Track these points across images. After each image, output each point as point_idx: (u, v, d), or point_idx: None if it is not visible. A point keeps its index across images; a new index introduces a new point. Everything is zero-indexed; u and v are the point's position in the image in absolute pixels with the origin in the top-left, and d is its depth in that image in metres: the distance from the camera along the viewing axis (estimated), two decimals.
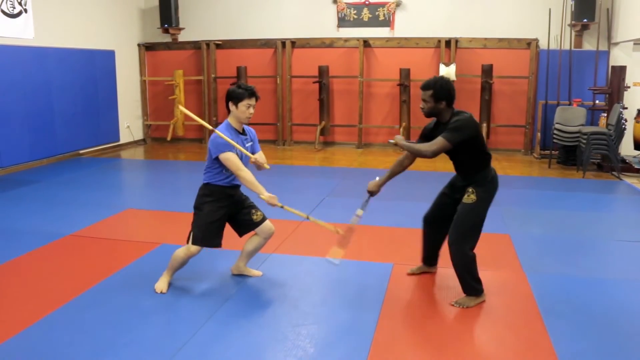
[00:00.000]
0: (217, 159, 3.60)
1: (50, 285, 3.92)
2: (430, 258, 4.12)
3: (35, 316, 3.39)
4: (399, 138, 3.62)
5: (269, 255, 4.51)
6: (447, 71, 9.61)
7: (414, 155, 3.66)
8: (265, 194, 3.64)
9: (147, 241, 4.86)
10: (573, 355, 3.00)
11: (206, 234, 3.70)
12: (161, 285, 3.81)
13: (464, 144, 3.49)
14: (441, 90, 3.49)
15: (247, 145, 3.76)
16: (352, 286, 3.95)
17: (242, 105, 3.62)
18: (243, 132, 3.77)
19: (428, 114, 3.61)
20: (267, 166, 3.87)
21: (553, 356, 2.99)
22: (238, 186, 3.81)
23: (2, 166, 7.60)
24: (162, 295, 3.74)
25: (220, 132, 3.59)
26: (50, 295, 3.73)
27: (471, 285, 3.65)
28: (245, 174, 3.60)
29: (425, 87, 3.53)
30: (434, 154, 3.48)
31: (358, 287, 3.93)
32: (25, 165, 8.20)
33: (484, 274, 4.02)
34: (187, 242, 3.74)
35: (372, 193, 3.89)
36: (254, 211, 3.88)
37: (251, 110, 3.66)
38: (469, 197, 3.57)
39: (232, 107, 3.65)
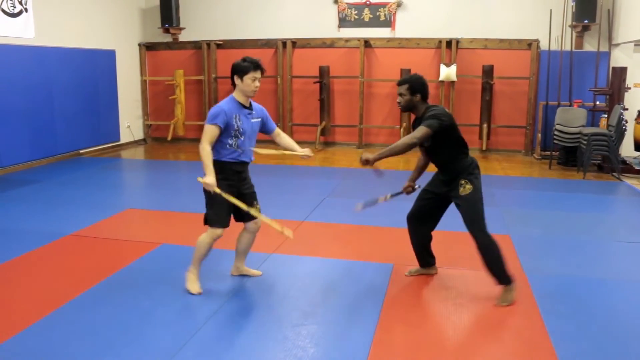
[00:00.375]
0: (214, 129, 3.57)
1: (50, 285, 3.92)
2: (424, 259, 4.12)
3: (35, 316, 3.39)
4: (367, 155, 3.58)
5: (269, 255, 4.51)
6: (448, 72, 9.61)
7: (400, 152, 3.62)
8: (207, 178, 3.52)
9: (148, 241, 4.85)
10: (573, 356, 3.00)
11: (221, 215, 3.68)
12: (193, 286, 3.75)
13: (443, 134, 3.59)
14: (416, 84, 3.66)
15: (253, 120, 3.74)
16: (352, 286, 3.95)
17: (248, 78, 3.59)
18: (249, 107, 3.73)
19: (405, 108, 3.74)
20: (305, 152, 3.93)
21: (553, 357, 2.98)
22: (245, 163, 3.78)
23: (2, 166, 7.61)
24: (162, 295, 3.73)
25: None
26: (51, 295, 3.73)
27: (504, 271, 3.66)
28: (203, 148, 3.54)
29: (401, 82, 3.72)
30: (419, 140, 3.56)
31: (358, 287, 3.92)
32: (26, 165, 8.20)
33: (483, 275, 4.02)
34: (205, 224, 3.73)
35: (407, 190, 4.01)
36: (255, 202, 3.86)
37: (257, 83, 3.63)
38: (466, 189, 3.66)
39: (237, 80, 3.63)
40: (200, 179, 3.55)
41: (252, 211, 3.73)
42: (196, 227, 3.77)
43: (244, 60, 3.64)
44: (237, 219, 3.88)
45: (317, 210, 5.93)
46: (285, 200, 6.37)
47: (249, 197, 3.82)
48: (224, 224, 3.72)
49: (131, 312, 3.48)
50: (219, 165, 3.62)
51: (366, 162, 3.57)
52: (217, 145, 3.62)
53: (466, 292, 3.84)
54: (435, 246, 4.14)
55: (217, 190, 3.55)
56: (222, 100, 3.68)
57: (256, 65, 3.62)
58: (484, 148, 9.54)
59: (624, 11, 8.78)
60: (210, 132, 3.55)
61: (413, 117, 3.85)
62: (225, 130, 3.59)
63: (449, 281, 4.03)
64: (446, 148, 3.71)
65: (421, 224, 3.98)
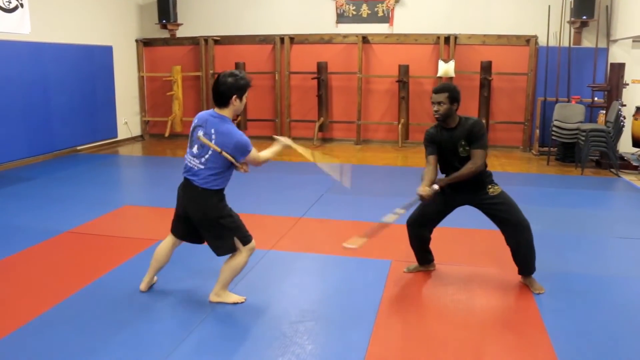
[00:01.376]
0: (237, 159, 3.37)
1: (46, 282, 3.90)
2: (423, 257, 4.12)
3: (31, 314, 3.37)
4: (433, 188, 3.63)
5: (267, 252, 4.50)
6: (446, 68, 9.59)
7: (468, 178, 3.65)
8: (280, 143, 3.67)
9: (145, 238, 4.83)
10: (572, 352, 2.99)
11: (245, 230, 3.50)
12: (233, 297, 3.59)
13: None
14: (455, 92, 3.65)
15: None
16: (350, 283, 3.94)
17: (245, 96, 3.40)
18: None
19: (444, 117, 3.66)
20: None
21: (551, 353, 2.97)
22: None
23: None
24: (158, 293, 3.72)
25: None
26: (47, 292, 3.71)
27: (534, 261, 3.80)
28: (264, 158, 3.58)
29: (441, 89, 3.65)
30: (485, 165, 3.67)
31: (356, 284, 3.91)
32: (22, 162, 8.16)
33: (482, 271, 4.03)
34: (236, 250, 3.47)
35: (422, 198, 3.68)
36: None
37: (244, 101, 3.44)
38: (495, 189, 3.74)
39: (235, 101, 3.32)
40: (280, 143, 3.76)
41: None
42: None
43: (241, 78, 3.33)
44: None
45: (316, 207, 5.91)
46: (284, 196, 6.36)
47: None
48: (251, 237, 3.54)
49: (128, 310, 3.47)
50: (220, 195, 3.42)
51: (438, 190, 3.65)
52: (225, 175, 3.41)
53: (464, 289, 3.83)
54: (433, 243, 4.13)
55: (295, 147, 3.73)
56: (232, 126, 3.37)
57: (249, 82, 3.40)
58: None
59: (622, 7, 8.77)
60: (255, 151, 3.44)
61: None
62: (237, 161, 3.40)
63: (447, 278, 4.02)
64: None
65: (423, 229, 3.97)
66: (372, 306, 3.55)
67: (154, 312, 3.45)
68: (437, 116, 3.68)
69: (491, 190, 3.73)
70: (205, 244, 3.61)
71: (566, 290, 3.82)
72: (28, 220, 5.38)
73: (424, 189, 3.61)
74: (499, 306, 3.61)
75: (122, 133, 10.57)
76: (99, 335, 3.14)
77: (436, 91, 3.66)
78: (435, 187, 3.63)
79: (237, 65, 10.35)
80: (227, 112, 3.38)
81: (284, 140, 3.66)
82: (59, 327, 3.23)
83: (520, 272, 3.88)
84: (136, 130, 11.09)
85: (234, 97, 3.31)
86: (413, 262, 4.18)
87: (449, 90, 3.63)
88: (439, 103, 3.62)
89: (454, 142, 3.68)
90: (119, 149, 10.11)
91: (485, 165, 3.72)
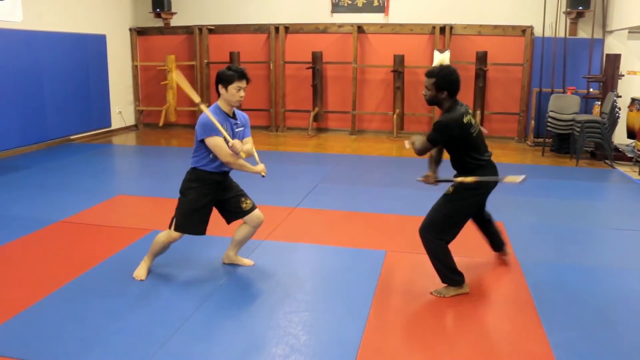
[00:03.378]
0: (202, 141, 3.51)
1: (39, 272, 3.88)
2: (495, 244, 4.14)
3: (24, 303, 3.35)
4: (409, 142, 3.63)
5: (261, 242, 4.48)
6: (442, 58, 9.56)
7: (420, 155, 3.63)
8: (257, 167, 3.60)
9: (138, 227, 4.81)
10: (566, 343, 3.00)
11: (188, 221, 3.62)
12: (140, 272, 3.76)
13: (450, 144, 3.53)
14: (443, 80, 3.43)
15: (237, 130, 3.65)
16: (345, 273, 3.93)
17: (232, 88, 3.49)
18: (233, 116, 3.64)
19: (429, 102, 3.57)
20: (255, 156, 3.73)
21: (546, 344, 2.98)
22: (227, 172, 3.72)
23: None
24: (152, 283, 3.70)
25: (209, 113, 3.47)
26: (40, 282, 3.69)
27: (445, 274, 3.59)
28: (234, 160, 3.51)
29: (429, 74, 3.48)
30: (420, 153, 3.58)
31: (351, 274, 3.90)
32: (15, 151, 8.11)
33: (476, 261, 4.03)
34: (170, 227, 3.68)
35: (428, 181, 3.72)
36: (243, 199, 3.78)
37: (242, 93, 3.53)
38: (449, 191, 3.61)
39: (221, 90, 3.53)
40: (255, 170, 3.61)
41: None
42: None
43: (229, 68, 3.53)
44: (230, 221, 3.85)
45: (310, 197, 5.90)
46: (278, 186, 6.34)
47: (235, 196, 3.75)
48: (189, 231, 3.65)
49: (122, 299, 3.45)
50: (197, 173, 3.59)
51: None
52: (199, 154, 3.58)
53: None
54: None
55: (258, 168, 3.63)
56: (210, 109, 3.54)
57: (241, 75, 3.50)
58: None
59: None
60: (221, 143, 3.46)
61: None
62: None
63: None
64: (453, 154, 3.62)
65: (478, 221, 4.04)
66: (367, 297, 3.54)
67: (148, 302, 3.44)
68: (425, 99, 3.59)
69: (449, 188, 3.61)
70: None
71: (561, 281, 3.83)
72: (21, 210, 5.35)
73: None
74: (493, 297, 3.61)
75: (116, 122, 10.51)
76: (93, 325, 3.12)
77: (426, 75, 3.51)
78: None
79: (231, 55, 10.30)
80: (220, 101, 3.60)
81: (259, 167, 3.69)
82: (53, 316, 3.22)
83: None
84: (130, 120, 11.03)
85: (220, 86, 3.53)
86: (408, 252, 4.18)
87: (436, 77, 3.43)
88: (426, 87, 3.52)
89: None
90: (113, 138, 10.06)
91: (475, 166, 3.57)
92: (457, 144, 3.51)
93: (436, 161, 3.81)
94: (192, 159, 3.63)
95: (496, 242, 4.12)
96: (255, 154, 3.75)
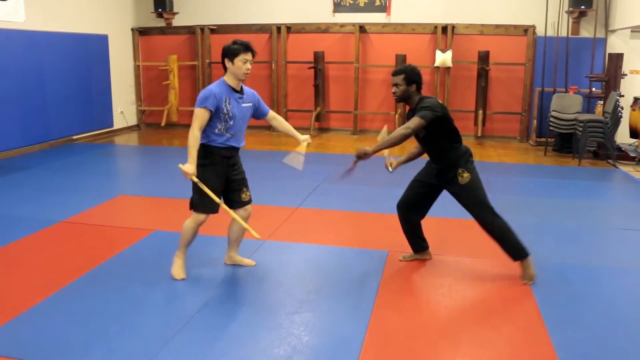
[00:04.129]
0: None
1: (42, 272, 3.88)
2: (417, 244, 4.12)
3: (27, 304, 3.35)
4: (365, 148, 3.57)
5: (263, 242, 4.48)
6: (444, 57, 9.55)
7: (397, 143, 3.61)
8: (187, 166, 3.48)
9: (141, 228, 4.81)
10: (569, 343, 2.99)
11: (204, 201, 3.63)
12: (177, 271, 3.75)
13: (437, 124, 3.61)
14: (412, 74, 3.68)
15: (244, 105, 3.66)
16: (347, 273, 3.93)
17: (238, 60, 3.52)
18: (240, 91, 3.65)
19: (400, 98, 3.75)
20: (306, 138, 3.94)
21: (549, 345, 2.97)
22: (235, 148, 3.70)
23: None
24: (154, 283, 3.70)
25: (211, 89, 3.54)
26: (42, 282, 3.69)
27: (516, 247, 3.75)
28: (193, 134, 3.47)
29: (397, 72, 3.72)
30: (413, 131, 3.57)
31: (353, 275, 3.90)
32: (17, 151, 8.12)
33: (478, 262, 4.02)
34: (190, 209, 3.71)
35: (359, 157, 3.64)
36: (245, 189, 3.81)
37: (248, 65, 3.56)
38: (464, 178, 3.70)
39: (228, 64, 3.56)
40: (180, 166, 3.51)
41: (224, 206, 3.70)
42: (189, 214, 3.72)
43: (234, 42, 3.58)
44: (233, 207, 3.82)
45: (312, 197, 5.89)
46: (280, 186, 6.33)
47: (238, 184, 3.77)
48: (209, 210, 3.68)
49: (124, 300, 3.45)
50: (206, 150, 3.58)
51: (364, 155, 3.53)
52: (207, 128, 3.56)
53: (461, 280, 3.83)
54: (430, 233, 4.13)
55: (195, 180, 3.52)
56: (213, 83, 3.62)
57: (246, 47, 3.55)
58: (479, 134, 9.50)
59: None
60: (201, 115, 3.48)
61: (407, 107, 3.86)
62: (215, 114, 3.52)
63: (444, 268, 4.01)
64: (440, 137, 3.72)
65: (411, 212, 4.01)
66: (369, 296, 3.53)
67: (150, 303, 3.44)
68: (395, 97, 3.77)
69: (460, 178, 3.69)
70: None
71: (563, 281, 3.82)
72: (23, 210, 5.35)
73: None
74: (496, 297, 3.60)
75: (118, 122, 10.51)
76: (95, 326, 3.12)
77: (393, 73, 3.74)
78: (366, 148, 3.57)
79: None
80: (226, 76, 3.63)
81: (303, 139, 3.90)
82: (54, 317, 3.22)
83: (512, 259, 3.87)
84: (132, 120, 11.03)
85: (226, 60, 3.58)
86: (409, 251, 4.17)
87: (405, 72, 3.68)
88: (395, 85, 3.71)
89: None
90: (115, 138, 10.06)
91: (459, 143, 3.73)
92: (444, 124, 3.66)
93: (412, 157, 4.08)
94: (202, 135, 3.57)
95: (421, 241, 4.14)
96: (292, 129, 3.95)
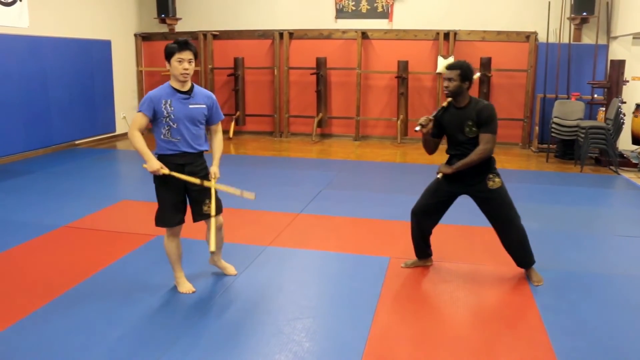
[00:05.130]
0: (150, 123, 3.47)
1: (44, 277, 3.89)
2: (423, 250, 4.12)
3: (28, 308, 3.36)
4: (444, 167, 3.78)
5: (265, 248, 4.48)
6: (445, 64, 9.54)
7: (477, 163, 3.70)
8: (148, 164, 3.40)
9: (142, 233, 4.82)
10: (571, 351, 2.98)
11: (164, 213, 3.54)
12: (184, 287, 3.65)
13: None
14: (468, 71, 3.68)
15: (190, 106, 3.45)
16: (348, 280, 3.92)
17: (174, 60, 3.36)
18: (187, 92, 3.47)
19: (453, 93, 3.71)
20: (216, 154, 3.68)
21: (550, 352, 2.96)
22: (190, 154, 3.50)
23: None
24: (156, 288, 3.70)
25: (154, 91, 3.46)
26: (44, 287, 3.69)
27: (530, 255, 3.89)
28: (131, 136, 3.41)
29: (453, 67, 3.70)
30: (494, 149, 3.72)
31: (355, 281, 3.90)
32: (20, 156, 8.14)
33: (480, 269, 4.01)
34: (157, 225, 3.61)
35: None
36: (207, 201, 3.57)
37: (185, 65, 3.36)
38: (495, 182, 3.79)
39: (167, 65, 3.42)
40: (144, 166, 3.44)
41: (206, 183, 3.51)
42: (190, 220, 3.72)
43: (175, 41, 3.43)
44: (195, 219, 3.66)
45: (314, 203, 5.89)
46: (282, 192, 6.34)
47: (198, 194, 3.57)
48: (172, 222, 3.55)
49: (125, 305, 3.45)
50: (160, 160, 3.47)
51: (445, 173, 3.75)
52: (155, 136, 3.49)
53: (463, 286, 3.82)
54: (433, 240, 4.12)
55: (166, 171, 3.41)
56: (158, 87, 3.51)
57: (181, 45, 3.37)
58: None
59: (622, 4, 8.74)
60: (137, 119, 3.41)
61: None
62: (156, 118, 3.42)
63: (446, 275, 4.01)
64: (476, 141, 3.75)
65: (427, 219, 3.99)
66: (371, 303, 3.53)
67: (152, 308, 3.44)
68: (446, 92, 3.74)
69: (491, 183, 3.76)
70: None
71: (565, 288, 3.81)
72: (26, 215, 5.36)
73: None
74: (497, 304, 3.60)
75: (121, 128, 10.52)
76: (96, 331, 3.12)
77: (448, 67, 3.72)
78: (447, 169, 3.75)
79: (235, 61, 10.34)
80: (171, 79, 3.50)
81: (212, 172, 3.58)
82: (56, 322, 3.22)
83: (517, 265, 3.97)
84: None
85: (166, 62, 3.45)
86: (411, 258, 4.17)
87: (461, 68, 3.66)
88: (449, 79, 3.68)
89: (462, 121, 3.72)
90: (117, 143, 10.08)
91: (492, 152, 3.75)
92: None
93: (430, 142, 3.97)
94: (156, 146, 3.53)
95: (427, 247, 4.15)
96: (218, 156, 3.65)
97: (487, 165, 3.77)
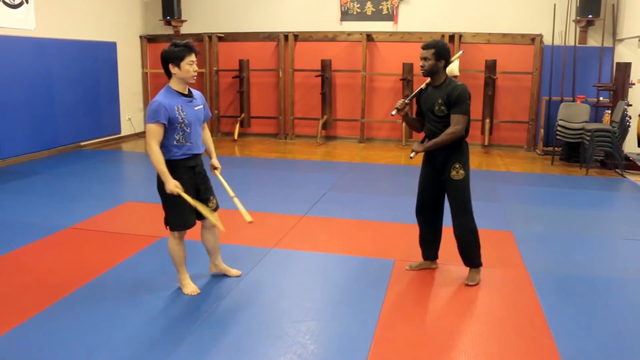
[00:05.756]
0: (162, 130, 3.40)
1: (48, 278, 3.90)
2: (428, 251, 4.11)
3: (33, 310, 3.37)
4: (416, 146, 3.83)
5: (269, 250, 4.48)
6: (451, 66, 9.52)
7: (446, 143, 3.70)
8: (168, 186, 3.35)
9: (147, 234, 4.82)
10: (576, 354, 2.97)
11: (179, 217, 3.55)
12: (189, 288, 3.67)
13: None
14: (442, 49, 3.71)
15: (195, 108, 3.51)
16: (353, 282, 3.92)
17: (185, 64, 3.37)
18: (189, 94, 3.51)
19: (428, 72, 3.78)
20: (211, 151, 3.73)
21: (556, 355, 2.95)
22: (198, 155, 3.57)
23: (2, 157, 7.57)
24: (160, 290, 3.70)
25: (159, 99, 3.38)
26: (49, 288, 3.70)
27: (477, 255, 3.87)
28: (152, 151, 3.33)
29: (428, 46, 3.75)
30: (464, 131, 3.69)
31: (359, 283, 3.89)
32: (26, 157, 8.17)
33: (485, 272, 4.00)
34: (166, 227, 3.62)
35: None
36: (211, 198, 3.70)
37: (194, 67, 3.42)
38: (459, 173, 3.75)
39: (173, 69, 3.38)
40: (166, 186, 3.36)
41: (206, 213, 3.53)
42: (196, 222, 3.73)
43: (175, 45, 3.39)
44: (201, 217, 3.68)
45: (318, 205, 5.89)
46: (286, 194, 6.34)
47: (204, 193, 3.65)
48: (184, 226, 3.58)
49: (130, 307, 3.46)
50: (171, 165, 3.42)
51: (413, 151, 3.81)
52: (165, 141, 3.41)
53: (467, 289, 3.81)
54: None
55: (183, 195, 3.38)
56: (158, 94, 3.44)
57: (190, 48, 3.40)
58: (486, 143, 9.50)
59: (628, 6, 8.72)
60: (155, 131, 3.33)
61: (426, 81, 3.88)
62: (170, 125, 3.37)
63: (451, 278, 4.00)
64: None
65: (427, 213, 4.01)
66: (376, 306, 3.53)
67: (157, 309, 3.44)
68: (422, 71, 3.80)
69: (454, 172, 3.74)
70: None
71: (571, 291, 3.80)
72: (31, 216, 5.38)
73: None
74: (502, 307, 3.58)
75: (126, 129, 10.56)
76: (100, 333, 3.13)
77: (423, 47, 3.77)
78: (417, 146, 3.81)
79: (240, 63, 10.35)
80: (172, 82, 3.47)
81: (213, 165, 3.69)
82: (61, 323, 3.23)
83: (464, 264, 3.95)
84: (140, 127, 11.08)
85: (170, 65, 3.40)
86: (416, 260, 4.17)
87: (435, 47, 3.70)
88: (424, 59, 3.75)
89: (433, 99, 3.76)
90: (122, 145, 10.11)
91: (465, 136, 3.74)
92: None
93: (414, 123, 4.05)
94: (162, 150, 3.43)
95: (437, 248, 4.15)
96: (212, 147, 3.75)
97: (457, 152, 3.75)
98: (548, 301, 3.61)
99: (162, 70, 3.51)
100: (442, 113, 3.72)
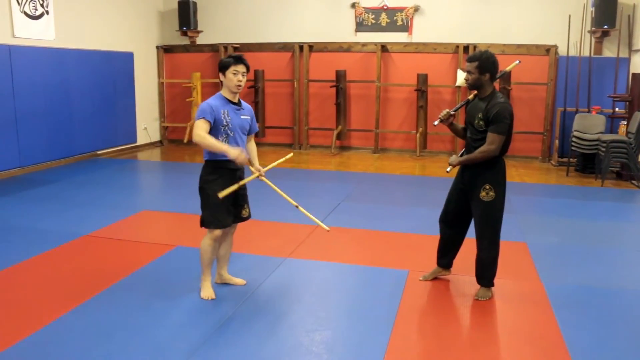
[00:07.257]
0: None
1: (65, 285, 3.94)
2: (446, 260, 4.08)
3: (49, 317, 3.41)
4: (453, 159, 3.79)
5: (284, 259, 4.50)
6: (458, 76, 9.55)
7: (478, 161, 3.66)
8: (233, 152, 3.48)
9: (163, 243, 4.87)
10: None
11: (217, 216, 3.65)
12: (206, 292, 3.74)
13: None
14: (486, 62, 3.60)
15: (242, 117, 3.72)
16: (367, 292, 3.93)
17: (229, 72, 3.60)
18: (237, 103, 3.72)
19: (472, 86, 3.70)
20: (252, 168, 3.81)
21: None
22: None
23: (20, 166, 7.68)
24: (176, 298, 3.73)
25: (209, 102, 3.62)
26: (65, 295, 3.74)
27: (491, 277, 3.81)
28: (199, 136, 3.49)
29: (472, 58, 3.65)
30: (498, 151, 3.62)
31: (373, 294, 3.90)
32: (43, 165, 8.27)
33: (500, 282, 3.99)
34: (202, 226, 3.73)
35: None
36: (246, 206, 3.86)
37: (239, 77, 3.61)
38: (489, 195, 3.66)
39: (221, 77, 3.65)
40: (231, 155, 3.46)
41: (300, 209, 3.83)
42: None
43: (229, 56, 3.68)
44: (233, 221, 3.84)
45: (332, 215, 5.90)
46: (301, 203, 6.32)
47: (242, 199, 3.82)
48: (222, 225, 3.68)
49: (145, 314, 3.49)
50: (213, 165, 3.64)
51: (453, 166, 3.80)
52: None
53: (482, 301, 3.80)
54: None
55: (225, 193, 3.52)
56: (211, 98, 3.68)
57: (237, 59, 3.63)
58: None
59: None
60: (201, 124, 3.52)
61: (471, 94, 3.81)
62: (215, 127, 3.57)
63: (465, 288, 3.99)
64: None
65: (454, 225, 3.97)
66: (389, 316, 3.53)
67: (171, 317, 3.47)
68: (467, 85, 3.73)
69: (483, 193, 3.66)
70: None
71: (586, 304, 3.77)
72: (49, 223, 5.44)
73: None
74: (517, 319, 3.57)
75: (142, 138, 10.67)
76: (117, 339, 3.16)
77: (468, 60, 3.68)
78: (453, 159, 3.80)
79: (256, 73, 10.42)
80: (223, 90, 3.72)
81: (256, 169, 3.81)
82: (77, 330, 3.26)
83: (477, 280, 3.90)
84: (155, 136, 11.19)
85: (220, 74, 3.67)
86: (430, 270, 4.16)
87: (479, 60, 3.60)
88: (468, 72, 3.66)
89: (475, 112, 3.69)
90: (138, 154, 10.21)
91: (499, 156, 3.66)
92: (509, 130, 3.68)
93: (457, 130, 3.99)
94: (205, 151, 3.65)
95: (452, 257, 4.12)
96: (256, 155, 3.92)
97: (490, 172, 3.66)
98: (563, 313, 3.59)
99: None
100: (481, 128, 3.65)
